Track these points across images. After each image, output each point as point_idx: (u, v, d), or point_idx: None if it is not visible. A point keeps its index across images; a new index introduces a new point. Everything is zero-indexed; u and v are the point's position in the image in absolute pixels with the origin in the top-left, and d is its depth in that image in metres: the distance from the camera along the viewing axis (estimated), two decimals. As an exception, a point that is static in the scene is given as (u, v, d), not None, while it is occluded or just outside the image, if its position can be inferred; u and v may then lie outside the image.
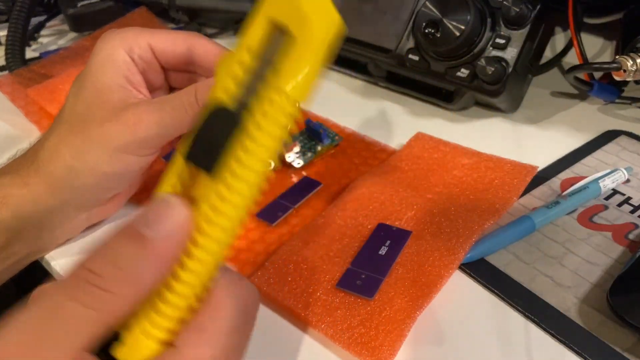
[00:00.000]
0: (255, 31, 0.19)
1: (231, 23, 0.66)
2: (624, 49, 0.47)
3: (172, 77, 0.36)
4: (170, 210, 0.19)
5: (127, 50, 0.33)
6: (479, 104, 0.50)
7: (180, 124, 0.32)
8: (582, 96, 0.52)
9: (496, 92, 0.45)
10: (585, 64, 0.48)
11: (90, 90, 0.32)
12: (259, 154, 0.19)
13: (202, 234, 0.20)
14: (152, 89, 0.35)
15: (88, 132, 0.32)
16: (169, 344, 0.20)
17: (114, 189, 0.35)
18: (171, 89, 0.37)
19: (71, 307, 0.17)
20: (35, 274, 0.61)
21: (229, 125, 0.19)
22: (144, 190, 0.39)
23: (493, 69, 0.43)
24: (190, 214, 0.19)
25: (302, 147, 0.43)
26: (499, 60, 0.44)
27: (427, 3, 0.45)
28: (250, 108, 0.19)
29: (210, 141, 0.20)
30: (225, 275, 0.21)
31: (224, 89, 0.20)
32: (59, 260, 0.36)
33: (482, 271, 0.34)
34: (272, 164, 0.30)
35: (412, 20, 0.48)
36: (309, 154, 0.43)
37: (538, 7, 0.44)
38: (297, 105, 0.19)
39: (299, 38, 0.18)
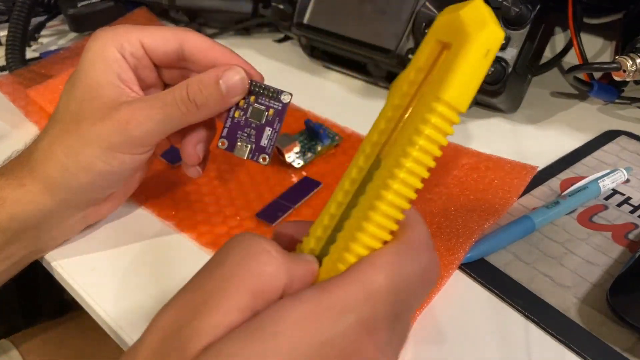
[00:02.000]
0: (424, 52, 0.22)
1: (231, 23, 0.66)
2: (623, 49, 0.47)
3: (165, 74, 0.36)
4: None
5: (118, 47, 0.33)
6: (478, 104, 0.50)
7: (173, 121, 0.32)
8: (581, 96, 0.52)
9: (496, 92, 0.45)
10: (585, 64, 0.49)
11: (82, 89, 0.32)
12: (423, 151, 0.21)
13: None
14: (145, 87, 0.35)
15: (81, 131, 0.32)
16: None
17: (109, 187, 0.35)
18: (165, 86, 0.37)
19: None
20: (36, 275, 0.61)
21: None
22: (143, 190, 0.39)
23: (493, 69, 0.43)
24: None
25: (302, 147, 0.43)
26: (499, 60, 0.44)
27: (427, 3, 0.45)
28: (413, 116, 0.22)
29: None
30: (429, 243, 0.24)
31: (392, 105, 0.23)
32: (60, 261, 0.36)
33: (482, 271, 0.34)
34: (267, 159, 0.35)
35: (412, 21, 0.48)
36: (309, 154, 0.43)
37: (538, 7, 0.44)
38: (456, 113, 0.21)
39: (460, 51, 0.20)
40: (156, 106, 0.31)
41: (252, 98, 0.34)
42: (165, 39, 0.33)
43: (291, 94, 0.34)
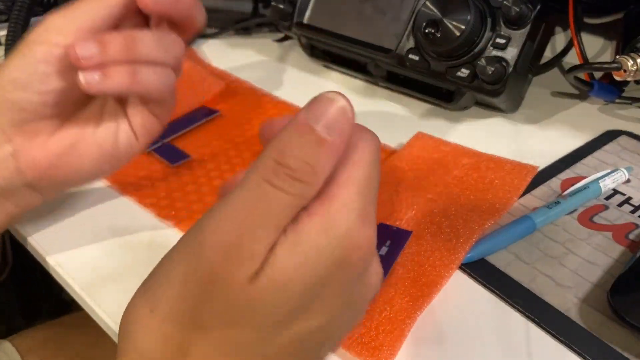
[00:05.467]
0: None
1: (231, 23, 0.66)
2: (624, 48, 0.47)
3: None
4: (338, 108, 0.21)
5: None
6: (479, 103, 0.50)
7: (88, 18, 0.30)
8: (582, 96, 0.52)
9: (496, 92, 0.45)
10: (585, 64, 0.48)
11: None
12: None
13: None
14: None
15: (20, 52, 0.31)
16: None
17: (26, 101, 0.31)
18: None
19: (274, 192, 0.21)
20: (35, 275, 0.61)
21: None
22: (143, 190, 0.39)
23: (493, 68, 0.43)
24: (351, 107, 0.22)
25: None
26: (499, 60, 0.44)
27: (427, 3, 0.45)
28: None
29: None
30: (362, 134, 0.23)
31: None
32: (59, 260, 0.36)
33: (482, 271, 0.33)
34: None
35: (412, 20, 0.48)
36: (309, 154, 0.43)
37: (538, 7, 0.44)
38: None
39: None
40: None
41: None
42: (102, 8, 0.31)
43: None
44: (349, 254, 0.21)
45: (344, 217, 0.21)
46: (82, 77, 0.29)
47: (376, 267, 0.25)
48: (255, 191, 0.21)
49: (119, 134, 0.34)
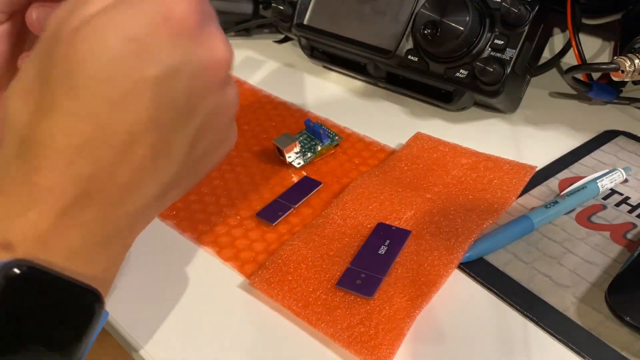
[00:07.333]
0: None
1: (232, 24, 0.66)
2: (622, 49, 0.47)
3: None
4: None
5: None
6: (478, 104, 0.50)
7: None
8: (580, 97, 0.52)
9: (495, 92, 0.45)
10: (583, 64, 0.49)
11: None
12: None
13: None
14: None
15: None
16: None
17: None
18: None
19: None
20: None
21: None
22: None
23: (492, 69, 0.43)
24: None
25: (302, 147, 0.44)
26: (498, 60, 0.44)
27: (426, 4, 0.45)
28: None
29: None
30: None
31: None
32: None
33: (481, 270, 0.34)
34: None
35: (411, 21, 0.48)
36: (309, 154, 0.43)
37: (537, 7, 0.44)
38: None
39: None
40: None
41: None
42: None
43: None
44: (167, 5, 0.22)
45: None
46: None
47: (217, 36, 0.24)
48: None
49: None
